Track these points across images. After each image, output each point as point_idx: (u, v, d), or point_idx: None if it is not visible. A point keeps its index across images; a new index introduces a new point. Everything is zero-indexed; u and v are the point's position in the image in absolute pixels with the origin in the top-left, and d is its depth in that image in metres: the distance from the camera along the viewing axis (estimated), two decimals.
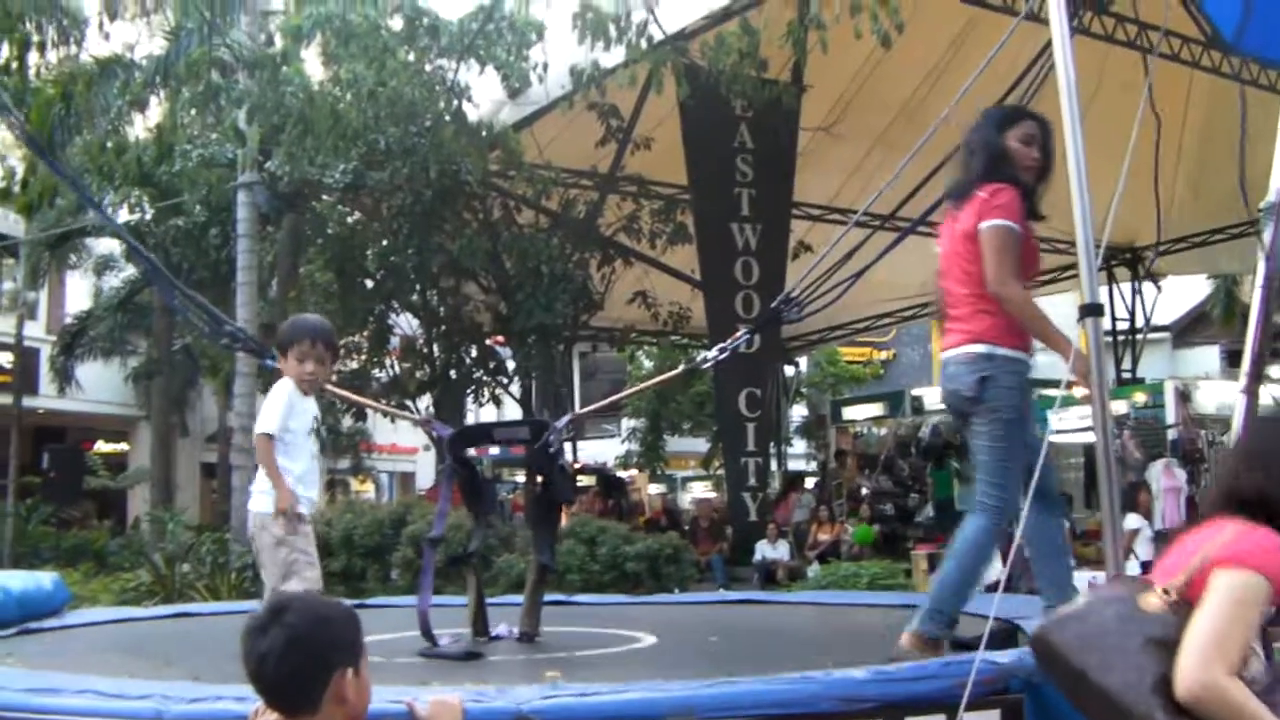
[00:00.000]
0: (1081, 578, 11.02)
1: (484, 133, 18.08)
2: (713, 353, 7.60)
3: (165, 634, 7.79)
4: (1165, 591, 3.51)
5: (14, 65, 19.18)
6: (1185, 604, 3.43)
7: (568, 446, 24.48)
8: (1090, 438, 17.87)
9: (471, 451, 8.64)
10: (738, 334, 7.61)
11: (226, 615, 9.69)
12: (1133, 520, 15.40)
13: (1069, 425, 17.80)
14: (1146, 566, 13.96)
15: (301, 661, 3.33)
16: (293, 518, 6.27)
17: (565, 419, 7.79)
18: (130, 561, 19.91)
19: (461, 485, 7.94)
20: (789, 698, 4.05)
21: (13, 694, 4.41)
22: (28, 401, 26.94)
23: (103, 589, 16.60)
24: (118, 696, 4.24)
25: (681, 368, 9.29)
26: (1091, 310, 4.86)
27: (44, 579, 8.44)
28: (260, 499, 6.40)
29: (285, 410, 6.42)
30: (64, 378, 29.26)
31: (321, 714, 3.36)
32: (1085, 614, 3.74)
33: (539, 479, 8.29)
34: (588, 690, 4.08)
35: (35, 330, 29.89)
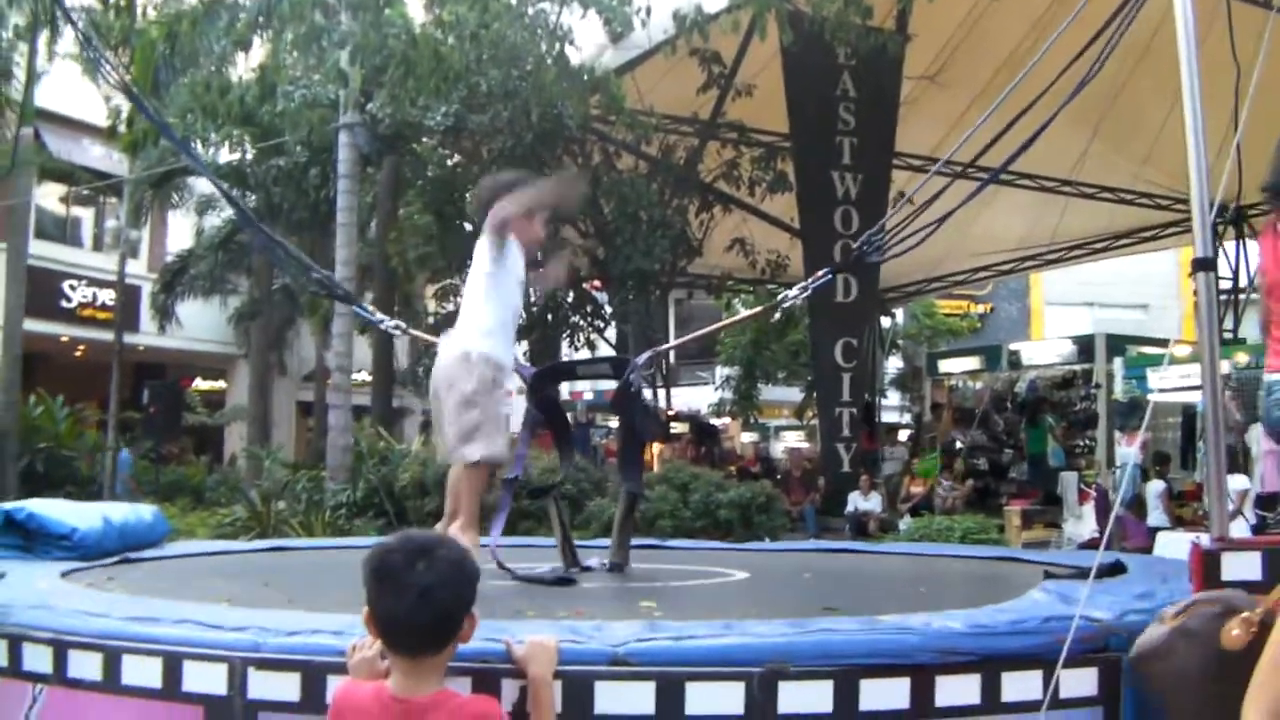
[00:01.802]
0: (1180, 539, 10.91)
1: (585, 77, 18.02)
2: (794, 291, 7.44)
3: (262, 566, 7.85)
4: (1248, 621, 3.42)
5: (122, 5, 19.38)
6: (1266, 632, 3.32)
7: (662, 393, 24.52)
8: (1190, 397, 17.74)
9: (565, 395, 8.63)
10: (819, 274, 7.52)
11: (321, 550, 9.80)
12: (1242, 481, 15.21)
13: (1169, 384, 17.59)
14: (1255, 529, 13.84)
15: (461, 598, 3.37)
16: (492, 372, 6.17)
17: (645, 355, 7.70)
18: (226, 497, 20.17)
19: (547, 423, 7.92)
20: (888, 648, 4.02)
21: (115, 621, 4.45)
22: (129, 338, 27.33)
23: (199, 523, 16.83)
24: (216, 627, 4.27)
25: (764, 306, 9.03)
26: (1204, 265, 4.74)
27: (144, 511, 8.49)
28: (467, 338, 6.24)
29: (508, 243, 6.34)
30: (164, 315, 29.65)
31: (443, 654, 3.39)
32: (1168, 651, 3.69)
33: (622, 415, 8.24)
34: (684, 632, 4.07)
35: (137, 268, 30.29)
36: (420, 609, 3.29)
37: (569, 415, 9.87)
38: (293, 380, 34.58)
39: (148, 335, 30.65)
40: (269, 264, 27.81)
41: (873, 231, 7.27)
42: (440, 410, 6.28)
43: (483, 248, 6.37)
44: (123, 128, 22.74)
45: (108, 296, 29.19)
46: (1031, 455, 23.24)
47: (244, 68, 20.98)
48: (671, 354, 29.48)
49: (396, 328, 8.54)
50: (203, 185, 28.75)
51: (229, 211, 28.07)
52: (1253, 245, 26.40)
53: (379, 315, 8.43)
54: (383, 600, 3.34)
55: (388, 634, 3.38)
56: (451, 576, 3.34)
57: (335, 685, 3.72)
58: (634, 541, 7.74)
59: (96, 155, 29.73)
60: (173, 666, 4.14)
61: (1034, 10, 18.77)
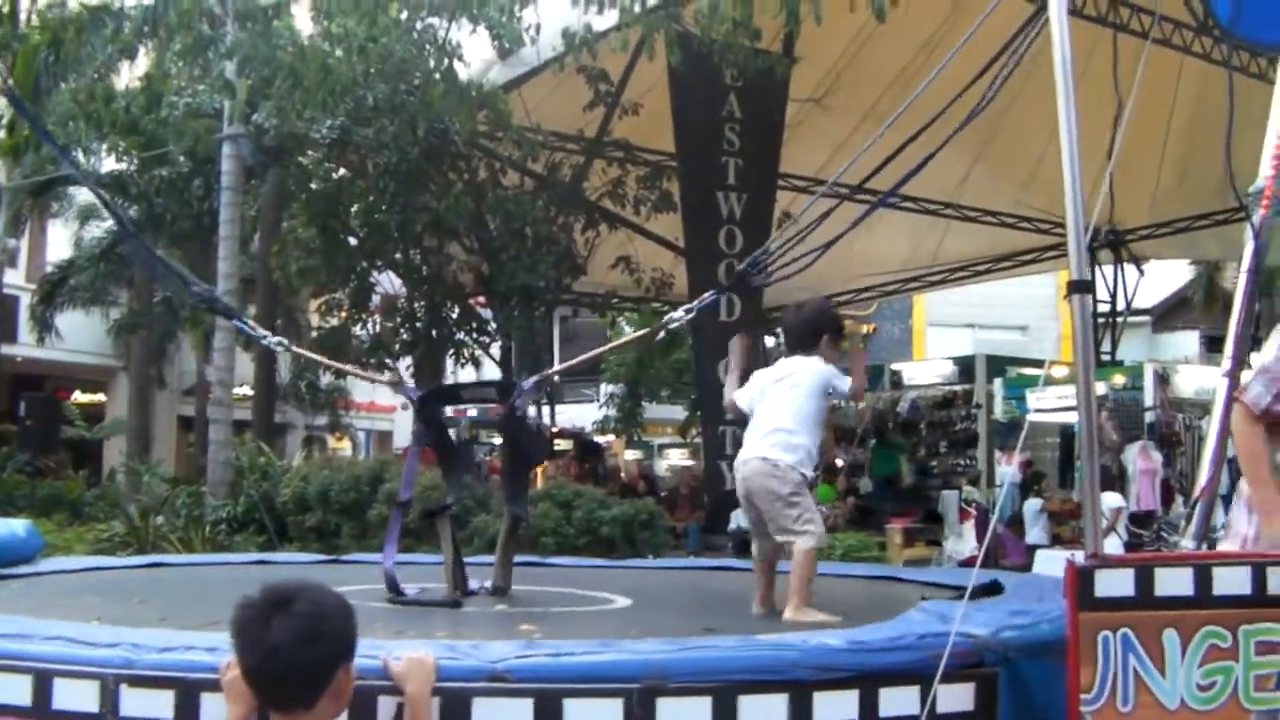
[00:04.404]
0: (1058, 556, 11.07)
1: (473, 93, 17.98)
2: (679, 313, 7.60)
3: (138, 583, 7.76)
4: None
5: (4, 11, 19.12)
6: None
7: (545, 410, 24.50)
8: (1067, 418, 18.03)
9: (449, 413, 8.64)
10: (705, 295, 7.65)
11: (200, 567, 9.70)
12: (1117, 499, 15.49)
13: (1047, 405, 17.87)
14: (1129, 546, 14.10)
15: (315, 655, 3.26)
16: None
17: (532, 380, 7.77)
18: (105, 512, 19.85)
19: (434, 446, 7.94)
20: (765, 664, 4.05)
21: None
22: (6, 349, 26.85)
23: (77, 539, 16.57)
24: (88, 644, 4.22)
25: (651, 328, 9.14)
26: (1080, 287, 4.82)
27: (17, 526, 8.39)
28: (774, 450, 6.70)
29: None
30: (43, 326, 29.15)
31: (315, 711, 3.30)
32: None
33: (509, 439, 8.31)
34: (562, 649, 4.08)
35: (15, 278, 29.77)
36: (271, 666, 3.22)
37: (453, 431, 9.89)
38: (173, 394, 34.14)
39: (25, 346, 30.07)
40: (151, 275, 27.48)
41: (757, 254, 7.36)
42: (755, 511, 6.83)
43: (820, 377, 6.85)
44: (2, 134, 22.38)
45: None
46: (879, 476, 23.52)
47: (129, 76, 20.74)
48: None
49: (279, 344, 8.52)
50: (83, 195, 28.37)
51: (110, 222, 27.73)
52: (1129, 270, 26.94)
53: (260, 331, 8.37)
54: (240, 655, 3.29)
55: (251, 688, 3.32)
56: (308, 632, 3.23)
57: (209, 702, 3.69)
58: (516, 559, 7.74)
59: None
60: (43, 684, 4.09)
61: (920, 34, 18.97)
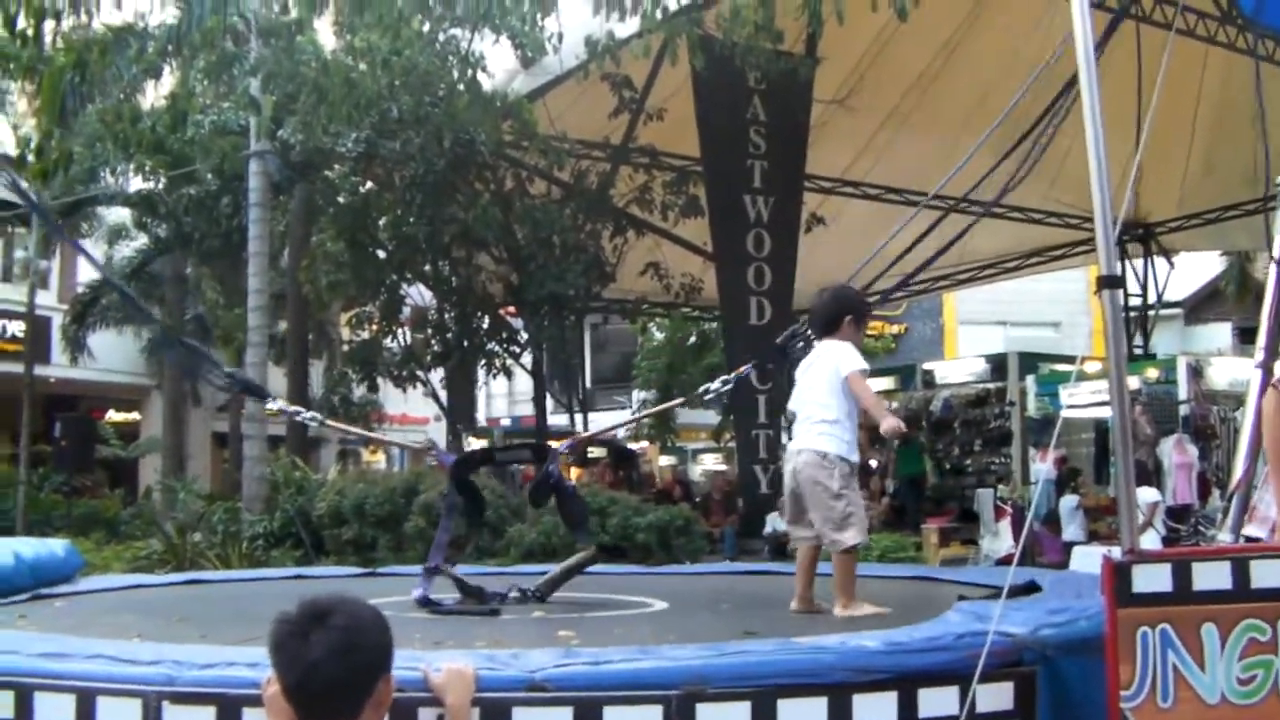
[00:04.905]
0: (1094, 552, 11.04)
1: (498, 103, 18.02)
2: (716, 384, 7.99)
3: (177, 600, 7.79)
4: None
5: (29, 34, 19.18)
6: None
7: (579, 418, 24.56)
8: (1102, 413, 17.96)
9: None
10: (742, 369, 7.89)
11: (238, 582, 9.73)
12: (1153, 494, 15.43)
13: (1081, 400, 17.80)
14: (1166, 541, 14.05)
15: (354, 668, 3.25)
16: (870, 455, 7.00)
17: (567, 443, 7.96)
18: (141, 530, 19.94)
19: (463, 504, 8.00)
20: (803, 668, 4.05)
21: (25, 658, 4.40)
22: (39, 370, 26.96)
23: (114, 557, 16.64)
24: (130, 661, 4.24)
25: (686, 398, 9.34)
26: (1110, 282, 4.80)
27: (56, 545, 8.44)
28: (822, 439, 6.78)
29: None
30: (76, 347, 29.27)
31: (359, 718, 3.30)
32: None
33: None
34: (601, 657, 4.08)
35: (47, 299, 29.93)
36: (311, 681, 3.22)
37: (487, 441, 9.96)
38: (207, 411, 34.23)
39: (59, 367, 30.24)
40: (182, 294, 27.61)
41: (796, 328, 7.54)
42: (799, 502, 6.91)
43: (845, 356, 6.88)
44: (32, 157, 22.49)
45: (17, 328, 28.78)
46: (903, 476, 23.41)
47: (154, 96, 20.83)
48: (588, 378, 29.53)
49: (313, 419, 8.78)
50: (113, 215, 28.51)
51: (139, 241, 27.89)
52: (1160, 263, 26.83)
53: (293, 408, 8.67)
54: (279, 672, 3.28)
55: (292, 704, 3.31)
56: (346, 646, 3.22)
57: (251, 717, 3.70)
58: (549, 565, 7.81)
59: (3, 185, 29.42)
60: (86, 702, 4.10)
61: (942, 34, 18.95)
